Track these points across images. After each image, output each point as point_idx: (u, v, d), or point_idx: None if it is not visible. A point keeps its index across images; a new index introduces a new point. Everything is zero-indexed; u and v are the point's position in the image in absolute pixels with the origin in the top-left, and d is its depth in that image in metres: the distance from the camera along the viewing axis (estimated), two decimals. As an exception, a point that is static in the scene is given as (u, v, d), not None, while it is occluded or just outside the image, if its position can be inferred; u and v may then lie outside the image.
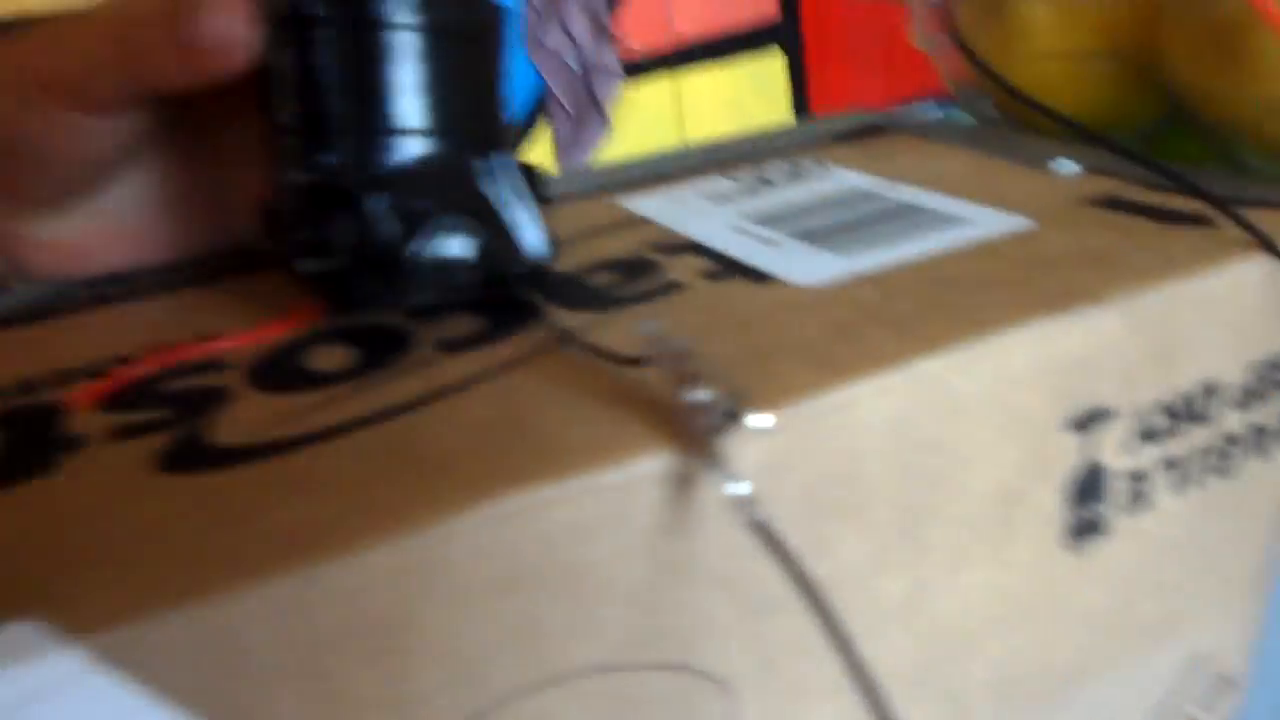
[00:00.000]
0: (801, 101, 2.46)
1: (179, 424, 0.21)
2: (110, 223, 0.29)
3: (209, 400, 0.22)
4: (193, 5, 0.23)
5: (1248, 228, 0.24)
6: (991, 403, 0.21)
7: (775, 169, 0.34)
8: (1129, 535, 0.24)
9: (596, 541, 0.18)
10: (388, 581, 0.16)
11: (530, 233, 0.24)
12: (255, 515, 0.17)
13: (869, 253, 0.25)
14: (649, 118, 2.32)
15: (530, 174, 0.25)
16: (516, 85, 2.11)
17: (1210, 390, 0.24)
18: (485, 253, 0.24)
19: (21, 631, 0.15)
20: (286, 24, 0.23)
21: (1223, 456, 0.24)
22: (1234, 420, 0.24)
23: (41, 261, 0.29)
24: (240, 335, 0.24)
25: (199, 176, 0.29)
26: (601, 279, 0.26)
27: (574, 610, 0.18)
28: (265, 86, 0.24)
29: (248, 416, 0.21)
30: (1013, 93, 0.32)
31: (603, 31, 2.14)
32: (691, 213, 0.30)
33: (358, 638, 0.16)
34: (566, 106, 2.16)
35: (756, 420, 0.17)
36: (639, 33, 2.27)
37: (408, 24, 0.23)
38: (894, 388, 0.20)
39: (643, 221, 0.30)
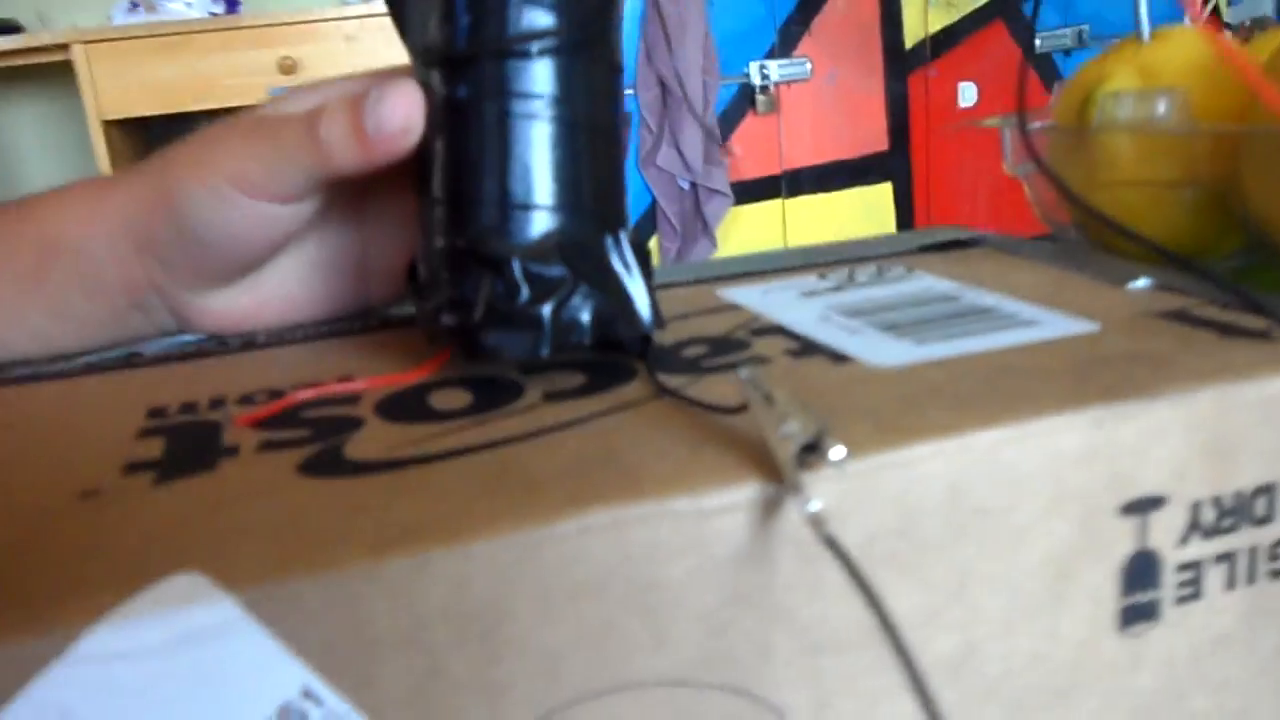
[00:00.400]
0: (903, 226, 2.48)
1: (318, 441, 0.24)
2: (270, 290, 0.33)
3: (345, 425, 0.25)
4: (376, 98, 0.27)
5: (1301, 340, 0.25)
6: (1044, 478, 0.22)
7: (864, 271, 0.36)
8: (1181, 625, 0.25)
9: (673, 563, 0.20)
10: (486, 574, 0.19)
11: (643, 305, 0.27)
12: (379, 509, 0.20)
13: (941, 343, 0.27)
14: (755, 240, 2.38)
15: (645, 255, 0.28)
16: (629, 201, 2.19)
17: (1267, 492, 0.25)
18: (603, 319, 0.27)
19: (184, 581, 0.18)
20: (443, 110, 0.27)
21: (1276, 558, 0.25)
22: (1289, 523, 0.25)
23: (207, 324, 0.33)
24: (374, 379, 0.28)
25: (347, 246, 0.33)
26: (694, 351, 0.29)
27: (647, 623, 0.20)
28: (420, 164, 0.28)
29: (377, 439, 0.24)
30: (1091, 212, 0.34)
31: (715, 154, 2.22)
32: (783, 303, 0.33)
33: (457, 620, 0.19)
34: (675, 224, 2.23)
35: (836, 451, 0.20)
36: (751, 158, 2.35)
37: (551, 116, 0.27)
38: (950, 454, 0.22)
39: (737, 308, 0.33)
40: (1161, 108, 0.35)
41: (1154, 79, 0.37)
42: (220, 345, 0.33)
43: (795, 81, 2.33)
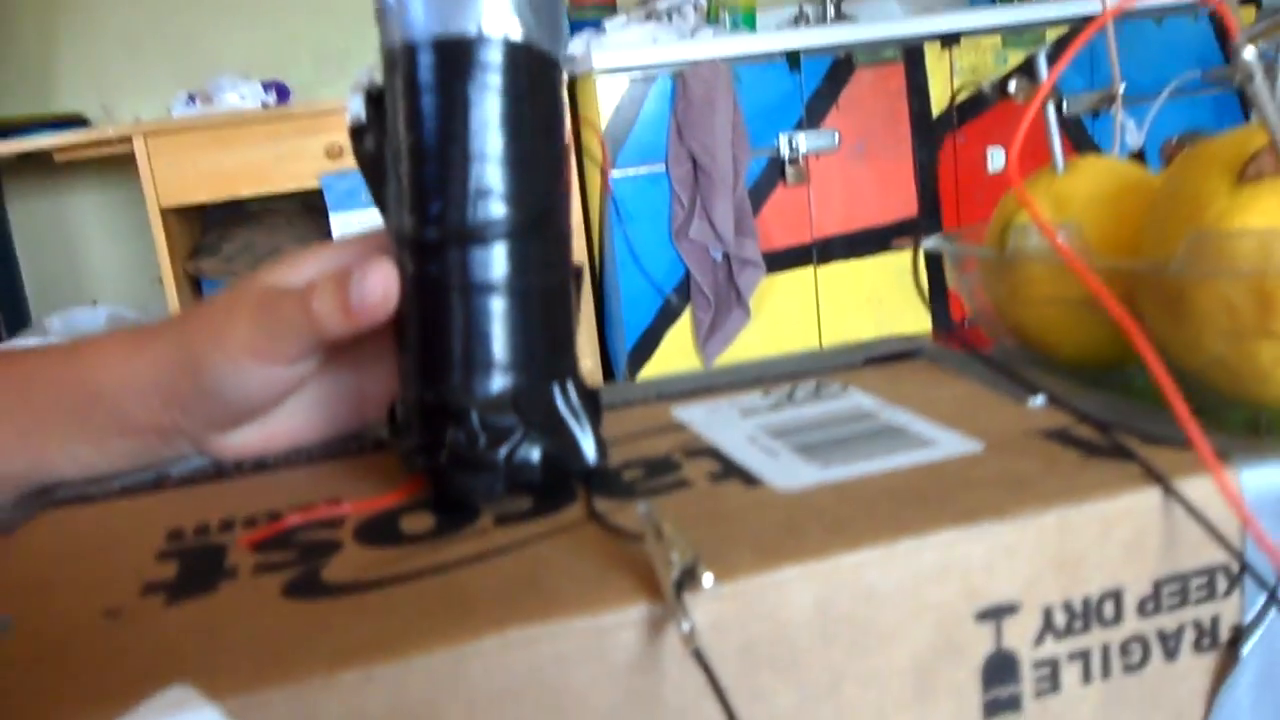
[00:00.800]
0: (941, 296, 2.51)
1: (302, 564, 0.29)
2: (279, 425, 0.38)
3: (326, 549, 0.30)
4: (359, 276, 0.32)
5: (1141, 462, 0.29)
6: (904, 592, 0.27)
7: (804, 389, 0.41)
8: (1041, 715, 0.28)
9: (578, 671, 0.24)
10: (423, 683, 0.23)
11: (588, 444, 0.32)
12: (341, 628, 0.24)
13: (842, 465, 0.32)
14: (789, 307, 2.42)
15: (593, 396, 0.33)
16: (662, 274, 2.25)
17: (1114, 596, 0.29)
18: (552, 459, 0.31)
19: (177, 693, 0.23)
20: (415, 283, 0.32)
21: (1127, 654, 0.29)
22: (1138, 624, 0.29)
23: (225, 455, 0.38)
24: (358, 502, 0.33)
25: (343, 384, 0.39)
26: (631, 474, 0.33)
27: (558, 722, 0.24)
28: (398, 325, 0.33)
29: (351, 563, 0.29)
30: (971, 350, 0.38)
31: (745, 226, 2.28)
32: (723, 422, 0.37)
33: (398, 721, 0.23)
34: (708, 294, 2.28)
35: (707, 579, 0.24)
36: (782, 227, 2.40)
37: (506, 289, 0.32)
38: (817, 575, 0.26)
39: (681, 428, 0.38)
40: (1060, 239, 0.39)
41: (1064, 208, 0.41)
42: (236, 468, 0.38)
43: (824, 152, 2.38)
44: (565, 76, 0.33)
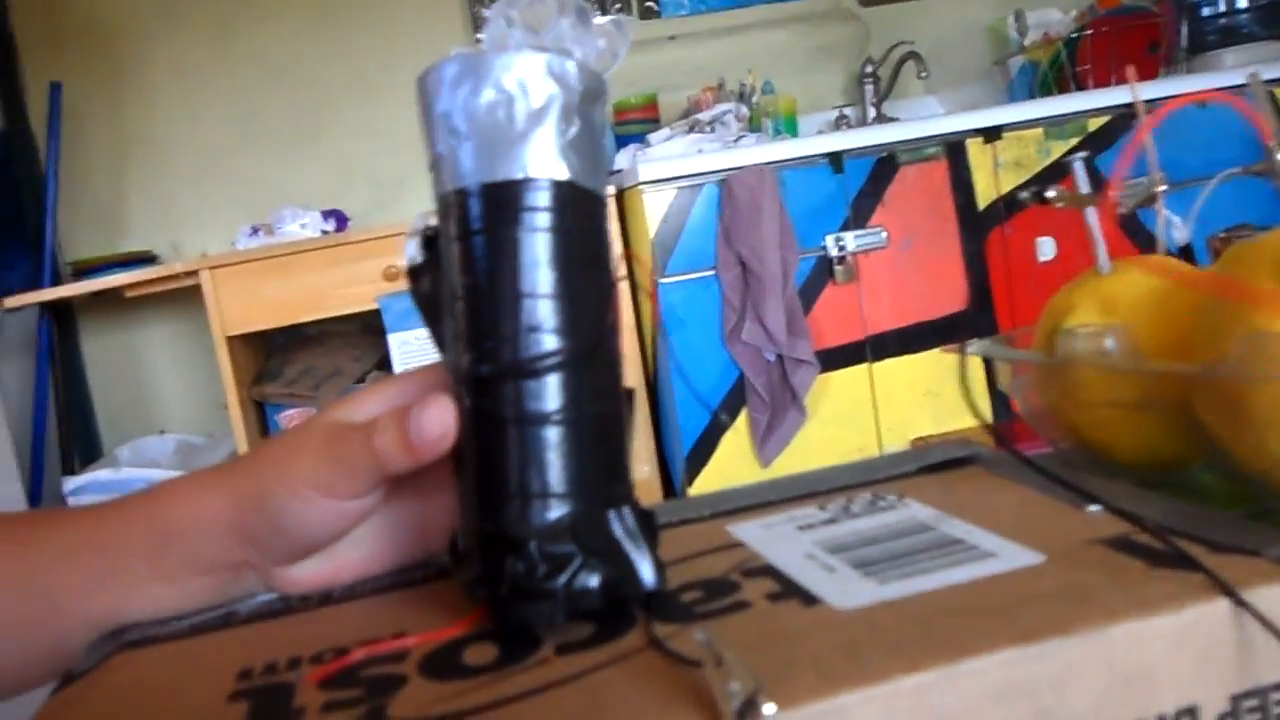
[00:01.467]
0: (998, 390, 2.48)
1: (369, 701, 0.29)
2: (344, 557, 0.39)
3: (391, 684, 0.30)
4: (417, 412, 0.34)
5: (1207, 572, 0.29)
6: (969, 715, 0.26)
7: (860, 501, 0.41)
8: (1125, 838, 0.27)
9: (642, 806, 0.24)
10: (488, 824, 0.23)
11: (645, 568, 0.32)
12: (407, 770, 0.25)
13: (900, 581, 0.32)
14: (845, 404, 2.41)
15: (649, 518, 0.33)
16: (716, 376, 2.26)
17: (1190, 714, 0.28)
18: (611, 585, 0.32)
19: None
20: (472, 417, 0.33)
21: (1209, 771, 0.28)
22: (1218, 740, 0.28)
23: (288, 586, 0.39)
24: (422, 635, 0.33)
25: (406, 515, 0.39)
26: (690, 596, 0.33)
27: None
28: (457, 457, 0.34)
29: (416, 698, 0.29)
30: (1025, 460, 0.38)
31: (797, 326, 2.29)
32: (778, 538, 0.38)
33: None
34: (764, 395, 2.28)
35: (768, 708, 0.24)
36: (834, 325, 2.41)
37: (560, 419, 0.32)
38: (880, 699, 0.26)
39: (738, 546, 0.38)
40: (1109, 343, 0.39)
41: (1111, 310, 0.42)
42: (302, 602, 0.39)
43: (872, 249, 2.40)
44: (609, 209, 0.35)
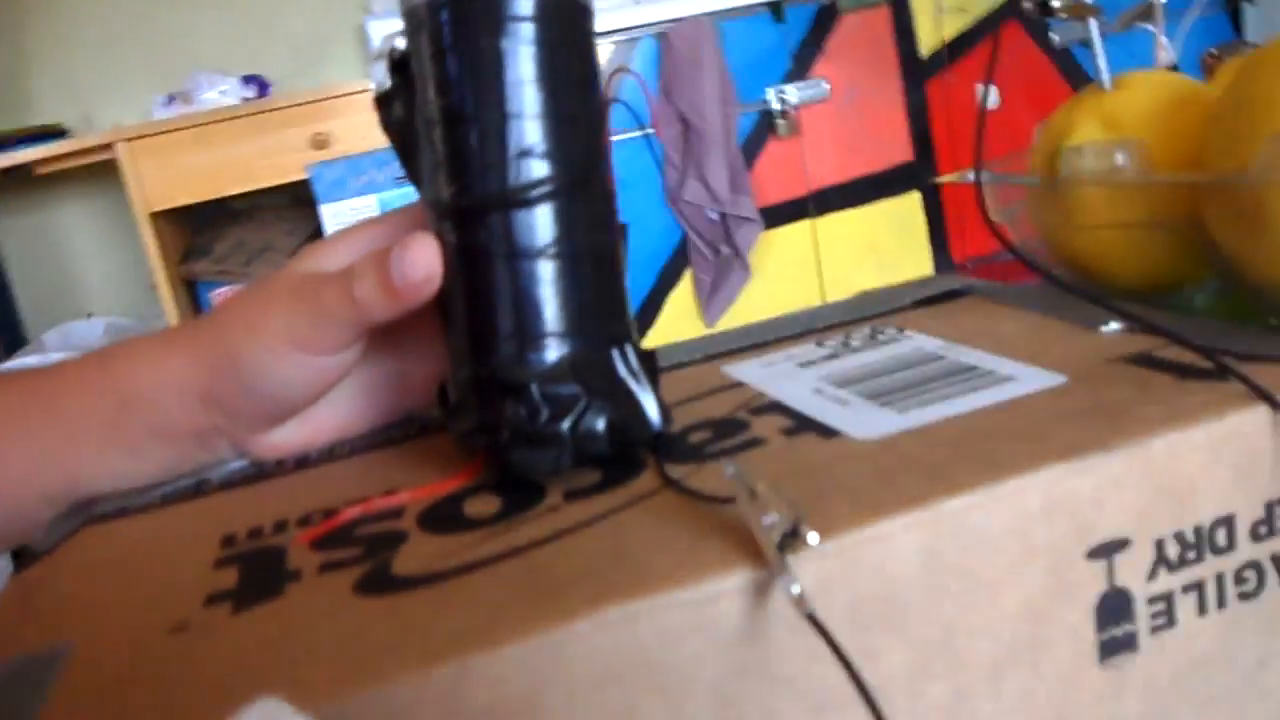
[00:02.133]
0: (940, 239, 2.49)
1: (370, 559, 0.27)
2: (322, 419, 0.36)
3: (392, 540, 0.28)
4: (398, 254, 0.31)
5: (1245, 380, 0.27)
6: (1012, 535, 0.25)
7: (859, 335, 0.39)
8: (1159, 652, 0.27)
9: (681, 646, 0.23)
10: (520, 673, 0.22)
11: (651, 408, 0.30)
12: (424, 623, 0.23)
13: (920, 409, 0.30)
14: (788, 261, 2.40)
15: (651, 358, 0.31)
16: (658, 237, 2.23)
17: (1226, 523, 0.27)
18: (617, 426, 0.30)
19: (266, 707, 0.21)
20: (458, 255, 0.30)
21: (1242, 582, 0.27)
22: (1251, 550, 0.27)
23: (263, 452, 0.37)
24: (416, 490, 0.31)
25: (384, 370, 0.37)
26: (699, 437, 0.32)
27: (664, 702, 0.23)
28: (443, 302, 0.31)
29: (420, 553, 0.27)
30: (1046, 275, 0.36)
31: (740, 183, 2.25)
32: (780, 377, 0.36)
33: (498, 717, 0.22)
34: (707, 255, 2.26)
35: (812, 537, 0.22)
36: (777, 181, 2.38)
37: (554, 253, 0.30)
38: (922, 524, 0.24)
39: (739, 386, 0.36)
40: (1120, 159, 0.37)
41: (1116, 127, 0.40)
42: (277, 467, 0.36)
43: (814, 103, 2.35)
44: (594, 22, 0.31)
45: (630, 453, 0.31)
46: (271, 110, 2.11)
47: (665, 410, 0.31)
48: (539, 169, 0.29)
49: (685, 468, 0.29)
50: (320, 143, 2.14)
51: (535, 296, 0.30)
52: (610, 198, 0.32)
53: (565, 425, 0.29)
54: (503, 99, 0.29)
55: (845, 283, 2.45)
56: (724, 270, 2.30)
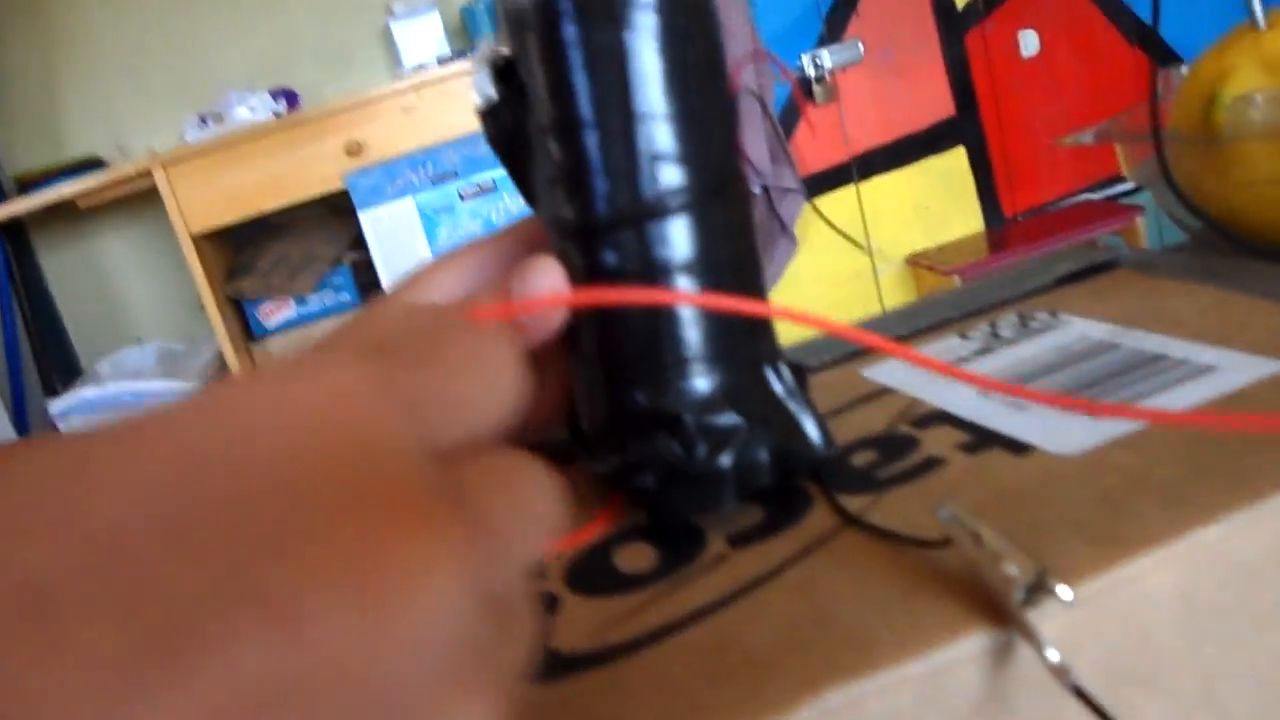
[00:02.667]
0: (989, 193, 2.43)
1: (524, 632, 0.24)
2: None
3: (544, 607, 0.25)
4: (520, 283, 0.27)
5: None
6: (1277, 566, 0.21)
7: (1007, 323, 0.35)
8: None
9: (912, 726, 0.20)
10: (737, 777, 0.19)
11: (814, 431, 0.27)
12: (613, 719, 0.20)
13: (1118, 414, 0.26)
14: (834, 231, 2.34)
15: (801, 373, 0.28)
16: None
17: None
18: (781, 455, 0.26)
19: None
20: (588, 277, 0.27)
21: None
22: None
23: None
24: (556, 543, 0.28)
25: None
26: (864, 459, 0.28)
27: (898, 792, 0.20)
28: (571, 327, 0.28)
29: (579, 622, 0.24)
30: (1225, 234, 0.32)
31: (781, 153, 2.20)
32: (931, 377, 0.32)
33: (717, 829, 0.19)
34: (755, 231, 2.22)
35: (1063, 591, 0.19)
36: (818, 148, 2.32)
37: (695, 266, 0.26)
38: (1176, 558, 0.21)
39: (889, 392, 0.32)
40: (1293, 104, 0.33)
41: (1277, 70, 0.35)
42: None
43: (850, 65, 2.29)
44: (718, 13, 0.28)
45: (791, 483, 0.28)
46: (303, 123, 2.09)
47: (827, 431, 0.27)
48: (674, 175, 0.26)
49: (860, 499, 0.26)
50: (354, 149, 2.12)
51: (679, 318, 0.26)
52: (747, 200, 0.28)
53: (726, 459, 0.26)
54: (628, 99, 0.26)
55: (895, 246, 2.40)
56: (770, 244, 2.25)
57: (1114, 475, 0.24)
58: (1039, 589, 0.19)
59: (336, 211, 2.27)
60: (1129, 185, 2.43)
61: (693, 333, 0.27)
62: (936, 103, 2.38)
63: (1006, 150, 2.43)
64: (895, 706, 0.19)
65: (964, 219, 2.47)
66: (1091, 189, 2.43)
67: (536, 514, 0.17)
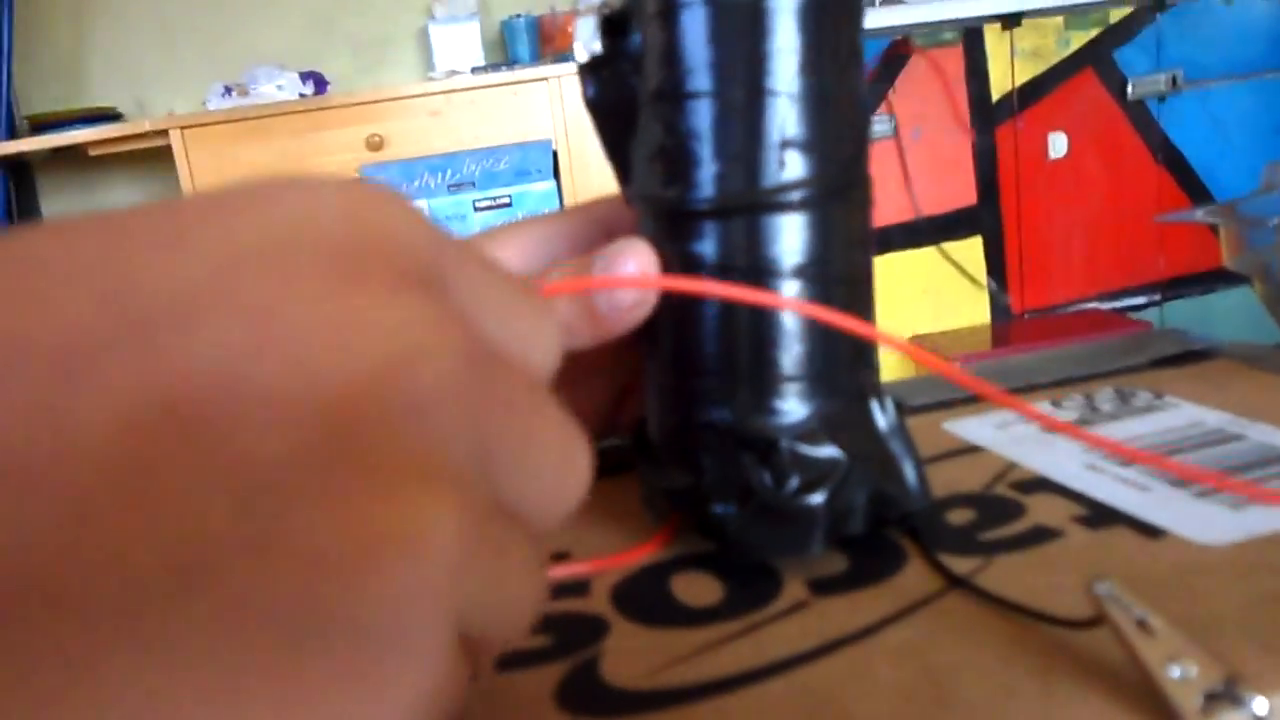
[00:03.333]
0: (1000, 286, 2.42)
1: (567, 655, 0.20)
2: None
3: (589, 631, 0.21)
4: (603, 267, 0.24)
5: None
6: None
7: (1104, 397, 0.32)
8: None
9: (1044, 840, 0.16)
10: None
11: (913, 477, 0.24)
12: (688, 779, 0.16)
13: (1266, 508, 0.23)
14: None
15: (901, 412, 0.25)
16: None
17: None
18: (879, 501, 0.23)
19: None
20: (681, 268, 0.24)
21: None
22: None
23: None
24: (599, 560, 0.24)
25: (556, 389, 0.30)
26: (961, 518, 0.25)
27: None
28: (650, 324, 0.25)
29: (631, 653, 0.20)
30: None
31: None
32: (1028, 442, 0.29)
33: None
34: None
35: (1259, 705, 0.16)
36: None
37: (809, 274, 0.23)
38: (1366, 683, 0.17)
39: (978, 450, 0.29)
40: None
41: None
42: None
43: (879, 139, 2.29)
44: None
45: (878, 534, 0.24)
46: (328, 108, 2.07)
47: (925, 480, 0.24)
48: (799, 165, 0.23)
49: (964, 561, 0.23)
50: (375, 144, 2.09)
51: (785, 328, 0.23)
52: (869, 207, 0.25)
53: (820, 496, 0.22)
54: (759, 72, 0.23)
55: (901, 324, 2.39)
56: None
57: (1274, 576, 0.20)
58: (1223, 697, 0.16)
59: (347, 203, 2.23)
60: (1137, 300, 2.43)
61: (796, 347, 0.23)
62: (959, 190, 2.38)
63: (1023, 246, 2.43)
64: (1033, 813, 0.16)
65: (972, 309, 2.46)
66: (1100, 299, 2.42)
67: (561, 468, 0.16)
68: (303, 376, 0.12)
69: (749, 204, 0.23)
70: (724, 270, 0.23)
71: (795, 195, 0.23)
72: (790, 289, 0.23)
